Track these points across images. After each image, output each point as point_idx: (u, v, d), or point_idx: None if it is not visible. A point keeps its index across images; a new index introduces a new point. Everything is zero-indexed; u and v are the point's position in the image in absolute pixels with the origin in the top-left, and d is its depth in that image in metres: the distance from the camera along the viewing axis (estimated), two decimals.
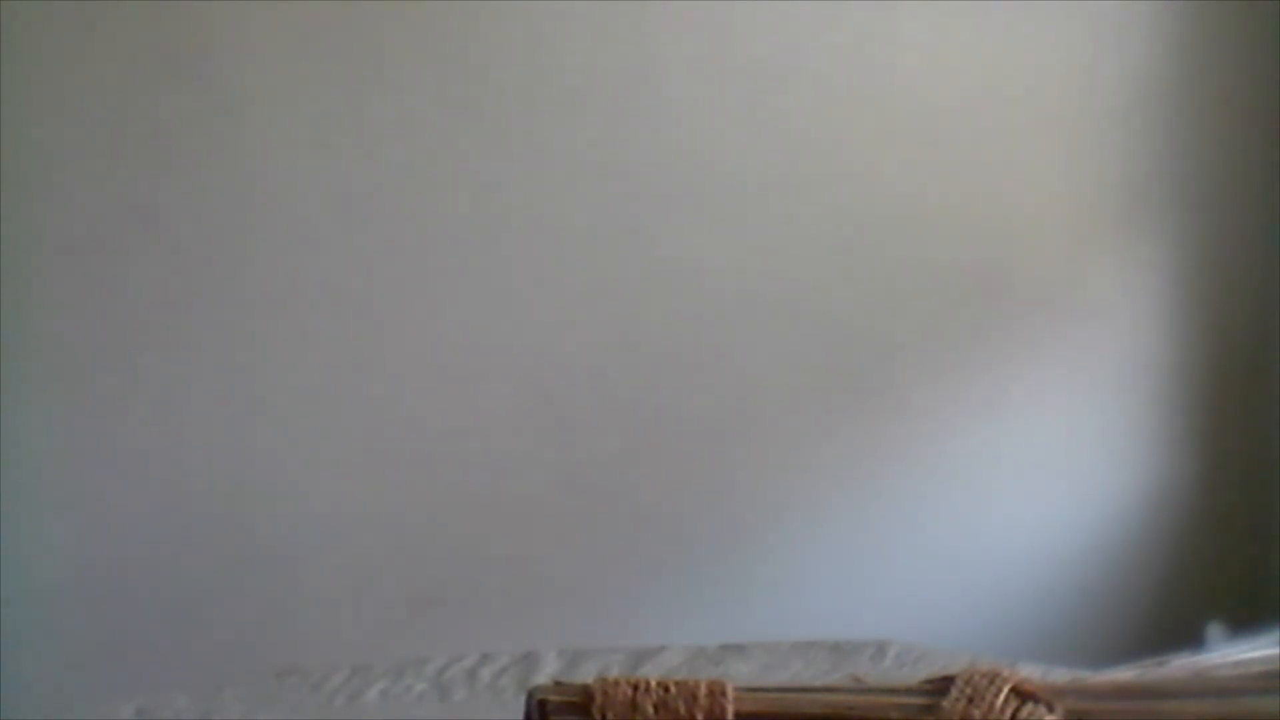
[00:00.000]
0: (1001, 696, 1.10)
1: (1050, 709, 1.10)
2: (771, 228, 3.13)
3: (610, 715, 1.09)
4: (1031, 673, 1.28)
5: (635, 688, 1.10)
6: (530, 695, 1.12)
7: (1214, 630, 2.94)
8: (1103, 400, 3.32)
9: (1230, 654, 1.22)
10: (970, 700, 1.10)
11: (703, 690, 1.10)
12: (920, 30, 3.14)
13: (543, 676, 2.16)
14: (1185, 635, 2.63)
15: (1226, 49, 3.28)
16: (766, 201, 3.13)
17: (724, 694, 1.10)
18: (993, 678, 1.12)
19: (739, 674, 2.13)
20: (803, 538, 3.19)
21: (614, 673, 2.08)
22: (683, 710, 1.09)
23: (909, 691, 1.14)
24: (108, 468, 2.93)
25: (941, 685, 1.13)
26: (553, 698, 1.12)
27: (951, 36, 3.15)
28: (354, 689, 2.19)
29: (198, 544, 2.95)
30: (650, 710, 1.09)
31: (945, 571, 3.24)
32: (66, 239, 2.87)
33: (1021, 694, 1.11)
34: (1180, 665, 1.24)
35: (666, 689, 1.10)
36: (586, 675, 1.94)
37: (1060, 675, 1.41)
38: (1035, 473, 3.29)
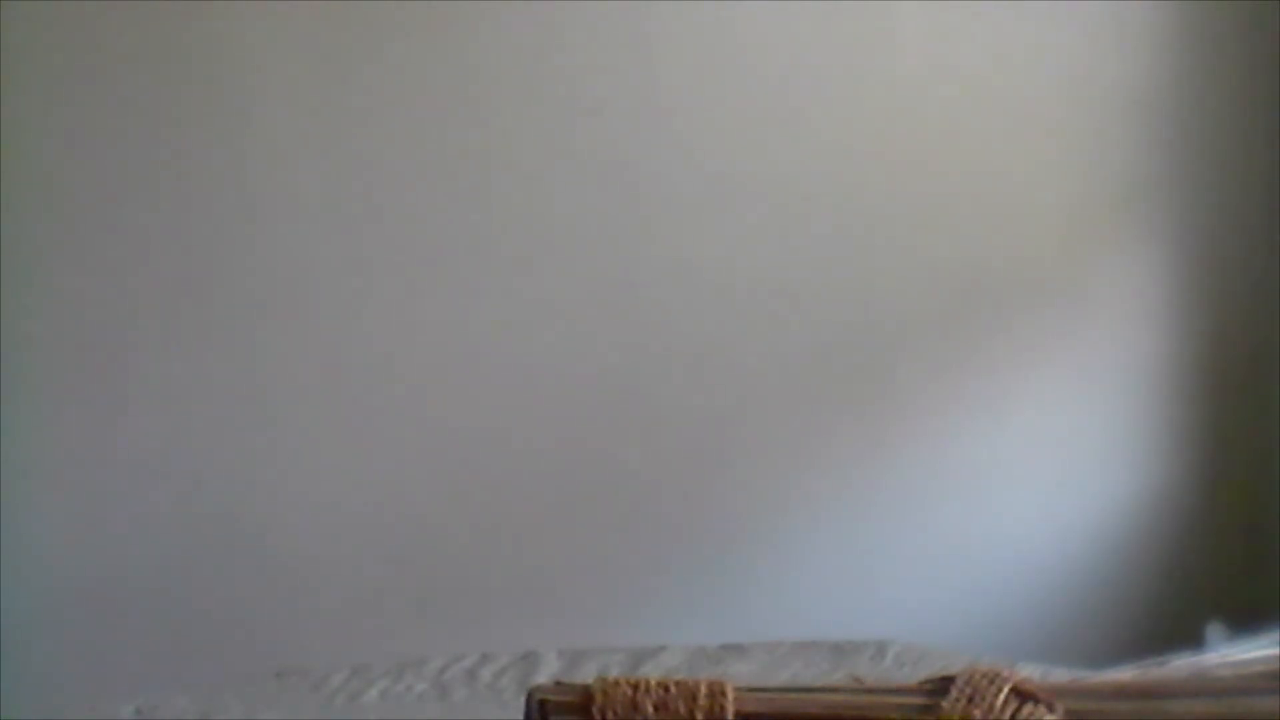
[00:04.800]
0: (1001, 696, 1.10)
1: (1050, 709, 1.10)
2: (770, 227, 3.13)
3: (610, 715, 1.09)
4: (1031, 673, 1.28)
5: (635, 688, 1.10)
6: (530, 695, 1.12)
7: (1214, 630, 2.94)
8: (1103, 400, 3.32)
9: (1230, 654, 1.22)
10: (970, 700, 1.10)
11: (703, 690, 1.10)
12: (920, 31, 3.14)
13: (543, 676, 2.16)
14: (1185, 635, 2.63)
15: (1226, 49, 3.28)
16: (766, 201, 3.13)
17: (724, 694, 1.10)
18: (993, 678, 1.12)
19: (739, 674, 2.13)
20: (803, 538, 3.19)
21: (614, 673, 2.08)
22: (683, 710, 1.09)
23: (909, 691, 1.14)
24: (108, 467, 2.93)
25: (941, 685, 1.13)
26: (553, 698, 1.12)
27: (951, 37, 3.16)
28: (354, 689, 2.19)
29: (198, 544, 2.95)
30: (650, 710, 1.09)
31: (945, 571, 3.24)
32: (67, 239, 2.87)
33: (1021, 694, 1.11)
34: (1180, 665, 1.24)
35: (666, 689, 1.10)
36: (586, 675, 1.94)
37: (1060, 675, 1.41)
38: (1035, 472, 3.29)
